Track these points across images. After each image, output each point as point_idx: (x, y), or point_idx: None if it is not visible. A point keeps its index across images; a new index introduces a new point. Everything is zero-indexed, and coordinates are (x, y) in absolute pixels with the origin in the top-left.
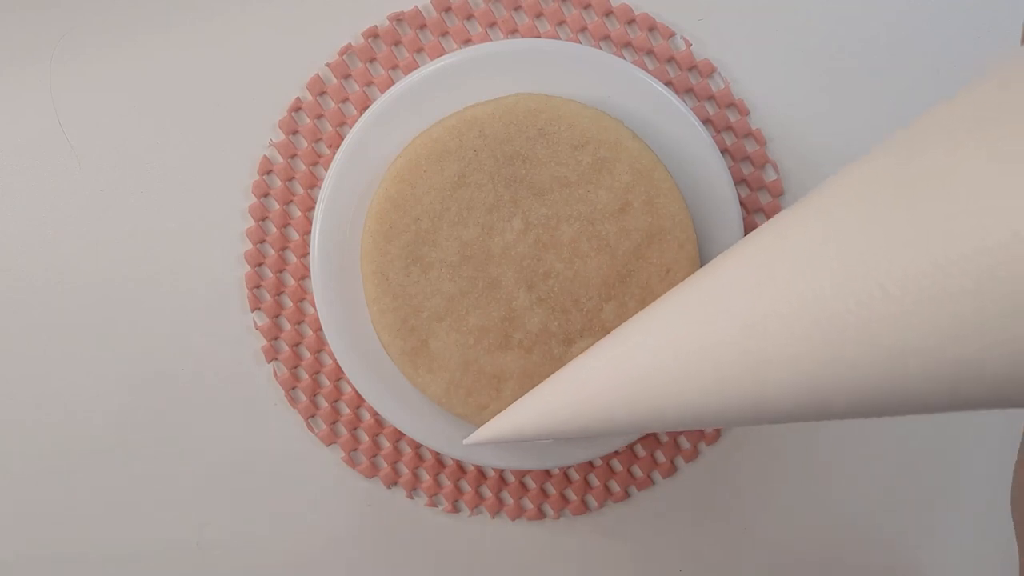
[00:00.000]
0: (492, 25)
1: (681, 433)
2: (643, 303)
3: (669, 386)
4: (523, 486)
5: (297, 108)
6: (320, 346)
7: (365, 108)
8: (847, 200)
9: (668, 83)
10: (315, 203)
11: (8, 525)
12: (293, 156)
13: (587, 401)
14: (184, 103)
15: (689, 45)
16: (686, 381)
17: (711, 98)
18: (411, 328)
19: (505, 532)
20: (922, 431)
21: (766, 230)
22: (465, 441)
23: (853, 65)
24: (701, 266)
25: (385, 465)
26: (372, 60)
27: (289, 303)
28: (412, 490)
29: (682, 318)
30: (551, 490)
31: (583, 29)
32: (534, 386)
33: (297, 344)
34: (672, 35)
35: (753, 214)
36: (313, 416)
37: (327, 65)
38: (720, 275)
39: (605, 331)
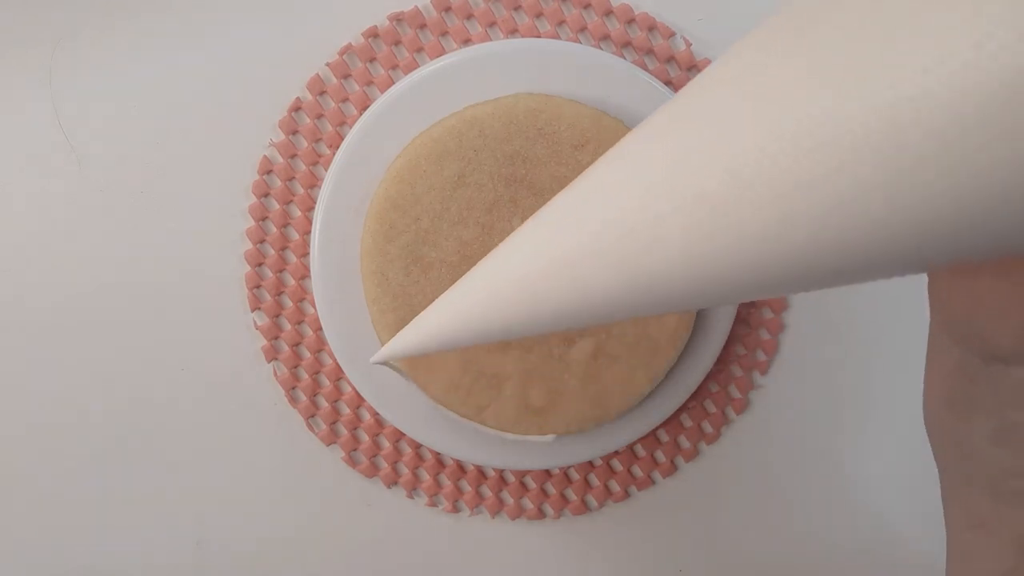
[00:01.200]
0: (492, 25)
1: (681, 433)
2: None
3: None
4: (523, 486)
5: (297, 108)
6: (320, 346)
7: (365, 108)
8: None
9: (668, 83)
10: (315, 203)
11: (6, 527)
12: (293, 156)
13: (509, 294)
14: (184, 103)
15: (689, 45)
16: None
17: None
18: None
19: (505, 532)
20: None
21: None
22: (372, 359)
23: None
24: None
25: (385, 465)
26: (372, 60)
27: (289, 303)
28: (412, 490)
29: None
30: (551, 490)
31: (583, 29)
32: (534, 385)
33: (297, 344)
34: (672, 35)
35: None
36: (313, 416)
37: (327, 65)
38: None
39: (605, 330)
